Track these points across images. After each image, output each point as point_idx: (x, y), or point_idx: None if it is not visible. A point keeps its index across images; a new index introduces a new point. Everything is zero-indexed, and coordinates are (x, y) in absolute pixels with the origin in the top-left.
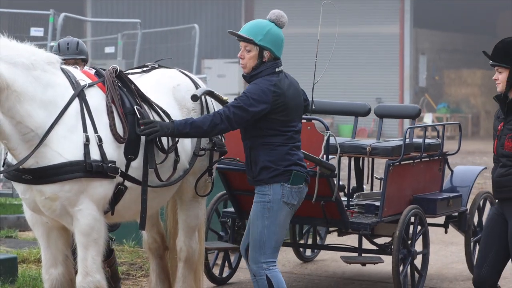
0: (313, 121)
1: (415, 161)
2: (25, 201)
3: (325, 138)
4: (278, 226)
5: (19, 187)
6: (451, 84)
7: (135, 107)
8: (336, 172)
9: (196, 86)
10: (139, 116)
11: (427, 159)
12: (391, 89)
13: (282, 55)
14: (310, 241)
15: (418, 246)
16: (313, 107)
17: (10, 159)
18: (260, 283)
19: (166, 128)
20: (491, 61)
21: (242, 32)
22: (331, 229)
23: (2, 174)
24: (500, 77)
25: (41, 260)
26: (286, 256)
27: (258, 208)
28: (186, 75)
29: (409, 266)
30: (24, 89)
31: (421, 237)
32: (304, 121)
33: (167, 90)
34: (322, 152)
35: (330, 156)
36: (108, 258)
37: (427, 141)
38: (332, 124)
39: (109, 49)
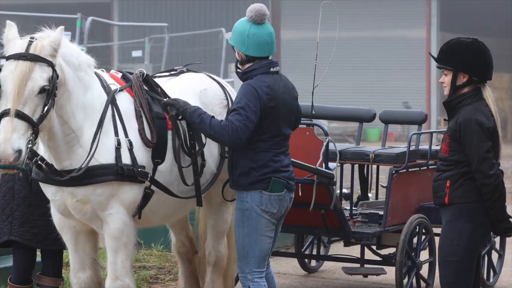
0: (312, 126)
1: (421, 168)
2: (54, 203)
3: (324, 144)
4: (259, 235)
5: (49, 189)
6: None
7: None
8: (335, 180)
9: (224, 90)
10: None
11: (435, 166)
12: (418, 94)
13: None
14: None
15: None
16: (313, 112)
17: (48, 158)
18: None
19: (182, 107)
20: (436, 64)
21: None
22: (336, 238)
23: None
24: (446, 79)
25: (69, 263)
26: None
27: (238, 215)
28: (214, 79)
29: (414, 277)
30: (73, 88)
31: (427, 245)
32: (303, 126)
33: (195, 94)
34: (321, 159)
35: (334, 164)
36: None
37: (434, 148)
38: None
39: (136, 53)
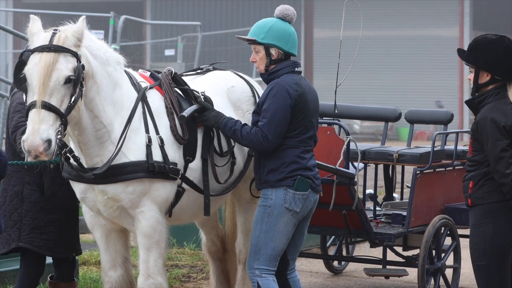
0: (333, 125)
1: (447, 168)
2: (84, 201)
3: (345, 143)
4: (276, 233)
5: (78, 187)
6: None
7: (199, 92)
8: (356, 180)
9: (251, 87)
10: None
11: (461, 167)
12: (450, 93)
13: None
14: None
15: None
16: (336, 111)
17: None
18: None
19: (214, 121)
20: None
21: (248, 35)
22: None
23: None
24: (471, 77)
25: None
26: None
27: (259, 212)
28: (241, 76)
29: (438, 279)
30: (101, 82)
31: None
32: (324, 125)
33: (222, 91)
34: (342, 158)
35: (362, 165)
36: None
37: (460, 148)
38: (392, 127)
39: (169, 52)
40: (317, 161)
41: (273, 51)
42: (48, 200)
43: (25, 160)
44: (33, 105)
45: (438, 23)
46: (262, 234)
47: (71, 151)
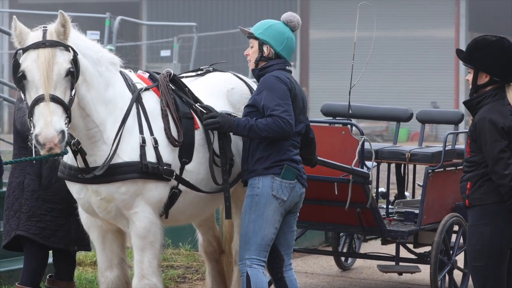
0: (348, 125)
1: (458, 168)
2: (79, 201)
3: (360, 143)
4: (265, 221)
5: (73, 187)
6: None
7: (196, 104)
8: (370, 179)
9: (251, 89)
10: (204, 112)
11: None
12: (446, 93)
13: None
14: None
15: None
16: (350, 112)
17: (66, 158)
18: (242, 280)
19: (228, 125)
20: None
21: (251, 30)
22: (373, 236)
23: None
24: (470, 78)
25: (97, 263)
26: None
27: (247, 202)
28: (241, 78)
29: (449, 275)
30: (91, 81)
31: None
32: (339, 125)
33: (222, 93)
34: (357, 158)
35: (374, 163)
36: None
37: None
38: (387, 128)
39: (164, 53)
40: (333, 162)
41: (265, 48)
42: (46, 189)
43: (33, 155)
44: (40, 99)
45: (434, 24)
46: (251, 224)
47: (78, 142)
